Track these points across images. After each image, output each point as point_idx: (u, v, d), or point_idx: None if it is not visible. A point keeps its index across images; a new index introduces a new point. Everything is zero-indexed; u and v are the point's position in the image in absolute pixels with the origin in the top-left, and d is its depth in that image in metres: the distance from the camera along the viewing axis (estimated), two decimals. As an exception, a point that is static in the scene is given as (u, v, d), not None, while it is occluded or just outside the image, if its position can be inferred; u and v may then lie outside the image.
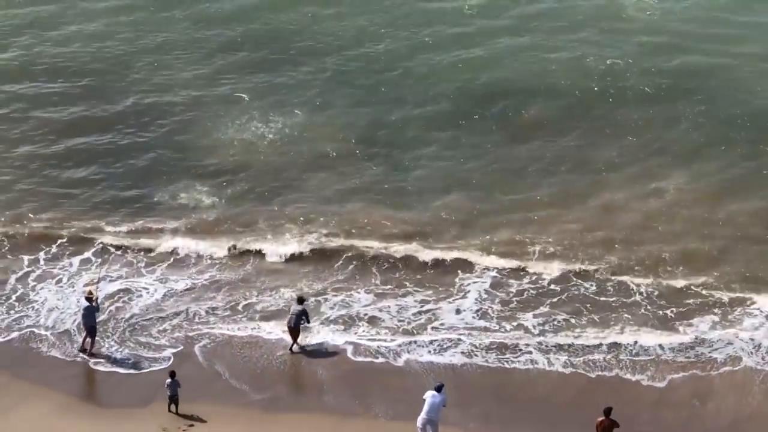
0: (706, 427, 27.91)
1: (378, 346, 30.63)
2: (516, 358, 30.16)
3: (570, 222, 35.25)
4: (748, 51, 43.67)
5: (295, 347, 30.64)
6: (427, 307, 32.09)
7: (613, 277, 32.88)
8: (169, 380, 28.36)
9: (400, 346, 30.64)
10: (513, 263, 33.57)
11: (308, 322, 30.73)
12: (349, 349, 30.54)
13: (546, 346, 30.50)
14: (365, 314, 31.84)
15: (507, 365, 29.91)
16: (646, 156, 38.12)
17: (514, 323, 31.31)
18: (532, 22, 46.30)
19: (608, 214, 35.59)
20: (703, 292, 32.28)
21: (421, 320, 31.56)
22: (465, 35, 45.56)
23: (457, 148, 38.93)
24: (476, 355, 30.20)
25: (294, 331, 30.56)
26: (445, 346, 30.64)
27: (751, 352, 30.04)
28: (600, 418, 26.50)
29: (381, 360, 30.13)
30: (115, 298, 32.53)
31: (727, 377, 29.29)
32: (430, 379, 28.62)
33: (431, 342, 30.76)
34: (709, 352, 30.09)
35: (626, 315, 31.46)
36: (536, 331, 30.99)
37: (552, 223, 35.16)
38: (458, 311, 31.81)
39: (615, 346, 30.46)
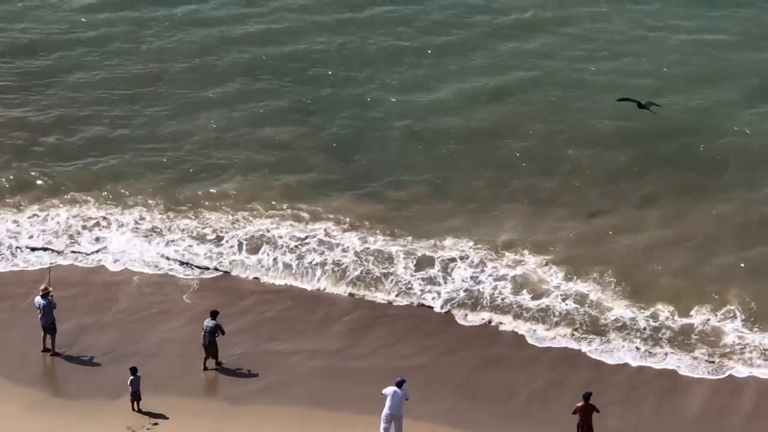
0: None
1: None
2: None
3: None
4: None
5: (209, 363, 29.35)
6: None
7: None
8: (131, 377, 28.03)
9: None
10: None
11: (222, 334, 29.35)
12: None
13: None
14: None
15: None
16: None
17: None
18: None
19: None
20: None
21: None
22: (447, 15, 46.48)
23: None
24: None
25: (209, 348, 29.27)
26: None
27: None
28: (579, 403, 26.60)
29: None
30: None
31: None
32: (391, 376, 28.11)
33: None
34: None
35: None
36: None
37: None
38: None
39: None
